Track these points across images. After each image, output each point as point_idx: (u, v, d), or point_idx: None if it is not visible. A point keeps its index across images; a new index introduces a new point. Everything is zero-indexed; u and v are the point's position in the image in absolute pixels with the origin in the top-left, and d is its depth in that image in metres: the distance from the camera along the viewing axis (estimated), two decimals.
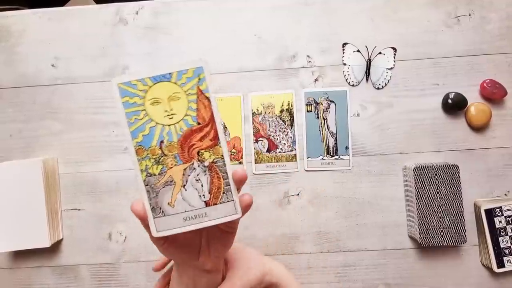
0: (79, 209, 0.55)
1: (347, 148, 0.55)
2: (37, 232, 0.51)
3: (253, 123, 0.56)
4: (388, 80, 0.55)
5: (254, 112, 0.56)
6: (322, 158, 0.55)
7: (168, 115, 0.30)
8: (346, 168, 0.55)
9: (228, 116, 0.56)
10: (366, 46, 0.56)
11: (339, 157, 0.55)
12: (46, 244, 0.51)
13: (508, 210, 0.50)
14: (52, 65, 0.57)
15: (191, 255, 0.36)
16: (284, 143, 0.55)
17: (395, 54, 0.55)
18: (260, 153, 0.55)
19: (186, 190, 0.30)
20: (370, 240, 0.54)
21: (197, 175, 0.30)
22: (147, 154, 0.30)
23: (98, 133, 0.56)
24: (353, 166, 0.55)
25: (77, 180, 0.56)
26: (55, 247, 0.55)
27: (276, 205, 0.55)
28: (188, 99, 0.30)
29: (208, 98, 0.30)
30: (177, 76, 0.30)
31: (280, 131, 0.55)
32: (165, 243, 0.34)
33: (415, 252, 0.53)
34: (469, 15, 0.55)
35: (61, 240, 0.55)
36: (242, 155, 0.55)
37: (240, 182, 0.31)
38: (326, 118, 0.55)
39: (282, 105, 0.56)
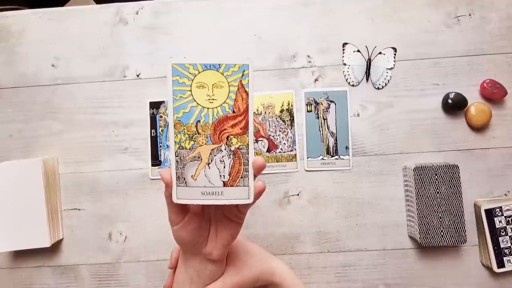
0: (79, 209, 0.55)
1: (347, 148, 0.55)
2: (37, 232, 0.51)
3: (253, 123, 0.55)
4: (388, 80, 0.55)
5: (254, 112, 0.56)
6: (322, 158, 0.55)
7: (209, 99, 0.33)
8: (346, 168, 0.55)
9: None
10: (366, 46, 0.56)
11: (339, 157, 0.55)
12: (46, 244, 0.51)
13: (508, 210, 0.50)
14: (52, 65, 0.57)
15: (200, 239, 0.38)
16: (284, 143, 0.55)
17: (395, 54, 0.55)
18: (260, 153, 0.55)
19: (209, 168, 0.34)
20: (370, 240, 0.54)
21: (222, 157, 0.34)
22: (183, 129, 0.33)
23: (98, 133, 0.56)
24: (353, 166, 0.55)
25: (77, 180, 0.56)
26: (55, 247, 0.55)
27: (276, 205, 0.55)
28: (229, 89, 0.34)
29: (247, 92, 0.34)
30: (225, 68, 0.33)
31: (280, 131, 0.55)
32: (182, 220, 0.36)
33: (415, 252, 0.53)
34: (469, 15, 0.55)
35: (61, 240, 0.55)
36: None
37: (259, 169, 0.34)
38: (326, 118, 0.55)
39: (282, 105, 0.56)
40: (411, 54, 0.55)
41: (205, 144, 0.34)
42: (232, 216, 0.38)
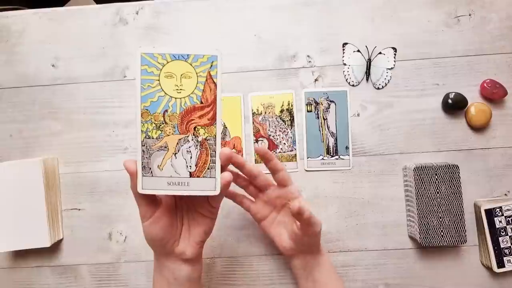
0: (79, 209, 0.55)
1: (347, 148, 0.55)
2: (37, 232, 0.51)
3: (253, 123, 0.56)
4: (388, 80, 0.55)
5: (254, 112, 0.56)
6: (322, 158, 0.55)
7: (177, 89, 0.34)
8: (346, 168, 0.55)
9: (228, 116, 0.56)
10: (366, 46, 0.56)
11: (339, 157, 0.55)
12: (46, 244, 0.51)
13: (508, 210, 0.50)
14: (52, 65, 0.57)
15: (171, 238, 0.37)
16: (284, 143, 0.55)
17: (395, 54, 0.55)
18: None
19: (176, 158, 0.34)
20: (370, 240, 0.54)
21: (189, 147, 0.34)
22: (150, 118, 0.34)
23: (98, 133, 0.56)
24: (353, 166, 0.55)
25: (77, 180, 0.56)
26: (55, 247, 0.55)
27: None
28: (197, 80, 0.34)
29: (215, 83, 0.34)
30: (193, 58, 0.34)
31: (280, 131, 0.55)
32: (152, 215, 0.36)
33: (415, 252, 0.53)
34: (469, 15, 0.55)
35: (61, 240, 0.55)
36: (242, 155, 0.55)
37: (226, 160, 0.35)
38: (326, 118, 0.55)
39: (282, 105, 0.56)
40: (411, 54, 0.55)
41: (172, 134, 0.34)
42: (204, 211, 0.38)
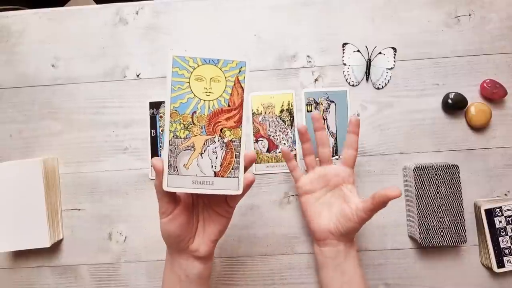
0: (79, 209, 0.55)
1: None
2: (37, 232, 0.51)
3: (253, 123, 0.56)
4: (388, 80, 0.55)
5: (254, 112, 0.56)
6: None
7: (206, 92, 0.35)
8: None
9: None
10: (366, 46, 0.56)
11: (339, 157, 0.55)
12: (46, 244, 0.51)
13: (508, 210, 0.50)
14: (52, 65, 0.57)
15: (187, 235, 0.38)
16: (284, 143, 0.55)
17: (395, 54, 0.55)
18: (260, 153, 0.55)
19: (202, 158, 0.35)
20: (370, 240, 0.54)
21: (215, 148, 0.35)
22: (179, 118, 0.35)
23: (98, 133, 0.56)
24: None
25: (77, 180, 0.56)
26: (55, 247, 0.55)
27: (276, 205, 0.55)
28: (226, 84, 0.36)
29: (242, 88, 0.36)
30: (223, 63, 0.35)
31: (280, 131, 0.55)
32: (171, 212, 0.37)
33: (415, 252, 0.53)
34: (469, 15, 0.55)
35: (61, 240, 0.55)
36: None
37: (250, 162, 0.36)
38: (326, 118, 0.55)
39: (282, 105, 0.56)
40: (411, 54, 0.55)
41: (199, 134, 0.35)
42: (221, 210, 0.39)
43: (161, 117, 0.56)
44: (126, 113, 0.56)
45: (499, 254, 0.50)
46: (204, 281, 0.41)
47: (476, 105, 0.53)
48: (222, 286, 0.54)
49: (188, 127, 0.35)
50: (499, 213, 0.50)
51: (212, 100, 0.35)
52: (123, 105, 0.56)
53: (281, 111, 0.56)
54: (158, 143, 0.55)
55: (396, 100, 0.55)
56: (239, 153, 0.36)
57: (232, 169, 0.36)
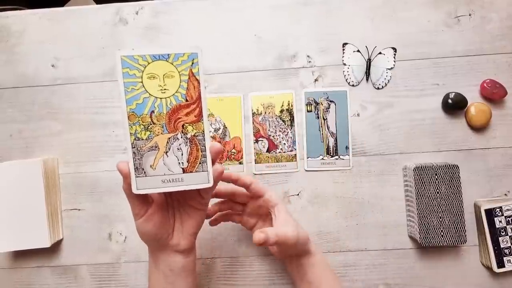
0: (79, 209, 0.55)
1: (347, 148, 0.55)
2: (37, 232, 0.51)
3: (253, 123, 0.56)
4: (388, 80, 0.55)
5: (254, 112, 0.56)
6: (322, 158, 0.55)
7: (161, 90, 0.34)
8: (346, 168, 0.55)
9: (228, 116, 0.56)
10: (366, 46, 0.56)
11: (339, 157, 0.55)
12: (46, 244, 0.51)
13: (508, 210, 0.50)
14: (52, 65, 0.57)
15: (165, 232, 0.39)
16: (284, 143, 0.55)
17: (395, 54, 0.55)
18: (260, 153, 0.55)
19: (167, 156, 0.35)
20: (370, 240, 0.54)
21: (179, 144, 0.35)
22: (138, 120, 0.34)
23: (98, 133, 0.56)
24: (353, 166, 0.55)
25: (77, 180, 0.56)
26: (55, 247, 0.55)
27: None
28: (180, 79, 0.34)
29: (198, 80, 0.35)
30: (174, 57, 0.34)
31: (280, 131, 0.55)
32: (145, 213, 0.37)
33: (415, 252, 0.53)
34: (469, 15, 0.55)
35: (61, 240, 0.55)
36: (242, 155, 0.55)
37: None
38: (326, 118, 0.55)
39: (282, 105, 0.56)
40: (411, 54, 0.55)
41: (161, 133, 0.34)
42: (196, 203, 0.39)
43: None
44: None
45: (499, 254, 0.50)
46: (189, 273, 0.41)
47: (476, 105, 0.53)
48: (221, 286, 0.54)
49: (149, 128, 0.34)
50: (499, 213, 0.50)
51: (169, 97, 0.34)
52: None
53: (281, 111, 0.56)
54: None
55: (396, 100, 0.55)
56: (205, 146, 0.35)
57: (200, 163, 0.35)
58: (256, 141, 0.55)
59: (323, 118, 0.55)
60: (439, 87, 0.55)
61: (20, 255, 0.55)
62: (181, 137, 0.35)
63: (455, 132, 0.54)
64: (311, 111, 0.56)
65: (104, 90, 0.56)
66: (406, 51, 0.55)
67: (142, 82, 0.34)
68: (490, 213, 0.50)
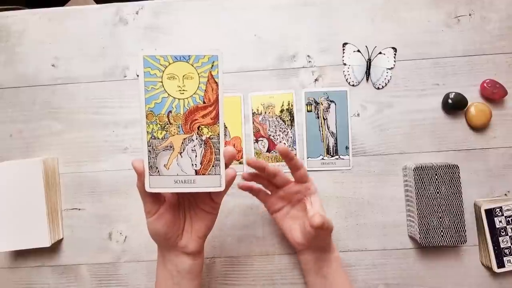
0: (79, 209, 0.55)
1: (347, 148, 0.55)
2: (37, 231, 0.51)
3: (253, 123, 0.56)
4: (388, 80, 0.55)
5: (254, 112, 0.56)
6: (322, 158, 0.55)
7: (180, 90, 0.34)
8: (346, 168, 0.55)
9: (228, 116, 0.56)
10: (366, 46, 0.56)
11: (339, 157, 0.55)
12: (46, 243, 0.51)
13: (508, 210, 0.50)
14: (52, 65, 0.57)
15: (175, 232, 0.39)
16: (284, 143, 0.55)
17: (395, 54, 0.55)
18: (260, 153, 0.55)
19: (181, 157, 0.35)
20: (370, 240, 0.54)
21: (194, 146, 0.35)
22: (155, 119, 0.34)
23: (98, 133, 0.56)
24: (353, 166, 0.55)
25: (77, 180, 0.56)
26: (55, 247, 0.55)
27: None
28: (199, 80, 0.35)
29: (216, 83, 0.35)
30: (194, 59, 0.34)
31: (280, 131, 0.55)
32: (156, 212, 0.37)
33: (415, 252, 0.53)
34: (469, 15, 0.55)
35: (61, 239, 0.55)
36: (242, 155, 0.55)
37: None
38: (326, 118, 0.55)
39: (282, 105, 0.56)
40: (411, 54, 0.55)
41: (177, 134, 0.35)
42: (207, 207, 0.39)
43: None
44: (126, 113, 0.56)
45: (499, 254, 0.50)
46: (195, 275, 0.41)
47: (476, 105, 0.53)
48: (221, 286, 0.54)
49: (165, 127, 0.35)
50: (499, 213, 0.50)
51: (187, 98, 0.35)
52: (123, 105, 0.56)
53: (281, 111, 0.56)
54: None
55: (396, 100, 0.55)
56: (219, 149, 0.35)
57: (213, 166, 0.35)
58: (256, 141, 0.55)
59: (323, 118, 0.55)
60: (439, 87, 0.55)
61: (20, 255, 0.55)
62: (196, 139, 0.35)
63: (455, 132, 0.54)
64: (311, 111, 0.56)
65: (105, 90, 0.56)
66: (406, 51, 0.55)
67: (162, 82, 0.34)
68: (490, 213, 0.50)
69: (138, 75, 0.34)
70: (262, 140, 0.55)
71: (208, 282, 0.54)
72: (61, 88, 0.57)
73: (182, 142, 0.35)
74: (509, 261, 0.50)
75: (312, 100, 0.56)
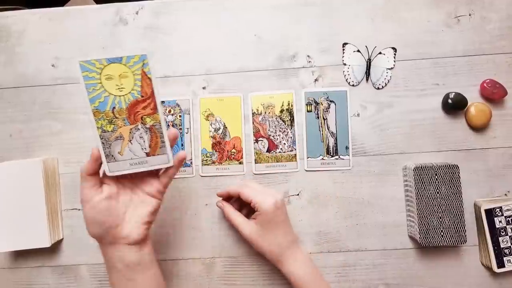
0: (79, 209, 0.55)
1: (347, 148, 0.55)
2: (37, 232, 0.51)
3: (253, 123, 0.56)
4: (388, 80, 0.55)
5: (254, 112, 0.56)
6: (322, 158, 0.55)
7: (118, 88, 0.39)
8: (346, 168, 0.55)
9: (228, 116, 0.56)
10: (366, 46, 0.56)
11: (339, 157, 0.55)
12: (46, 244, 0.51)
13: (508, 210, 0.50)
14: (52, 65, 0.57)
15: (113, 222, 0.40)
16: (284, 143, 0.55)
17: (395, 54, 0.55)
18: (260, 153, 0.55)
19: (132, 144, 0.41)
20: (370, 240, 0.54)
21: (141, 133, 0.41)
22: (102, 116, 0.40)
23: None
24: (353, 166, 0.55)
25: (77, 180, 0.55)
26: (55, 247, 0.55)
27: None
28: (134, 78, 0.40)
29: (149, 78, 0.40)
30: (126, 59, 0.39)
31: (280, 131, 0.55)
32: (91, 200, 0.39)
33: (415, 252, 0.53)
34: (469, 15, 0.55)
35: (61, 240, 0.55)
36: (242, 155, 0.55)
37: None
38: (326, 118, 0.55)
39: (282, 105, 0.56)
40: (411, 54, 0.55)
41: (124, 125, 0.40)
42: (153, 190, 0.42)
43: None
44: None
45: (499, 254, 0.50)
46: (147, 266, 0.41)
47: (476, 105, 0.53)
48: (221, 286, 0.54)
49: (112, 121, 0.40)
50: (499, 213, 0.50)
51: (126, 95, 0.40)
52: None
53: (281, 111, 0.56)
54: None
55: (396, 100, 0.55)
56: (162, 133, 0.41)
57: (160, 147, 0.41)
58: (256, 141, 0.55)
59: (323, 118, 0.55)
60: (439, 87, 0.55)
61: (20, 255, 0.55)
62: (141, 128, 0.41)
63: (455, 132, 0.54)
64: (311, 111, 0.56)
65: None
66: (406, 51, 0.55)
67: (101, 83, 0.39)
68: (490, 213, 0.50)
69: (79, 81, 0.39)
70: (262, 140, 0.55)
71: (208, 282, 0.54)
72: (61, 88, 0.57)
73: (130, 132, 0.40)
74: (509, 261, 0.50)
75: (312, 100, 0.56)
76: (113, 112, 0.40)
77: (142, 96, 0.40)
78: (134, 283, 0.40)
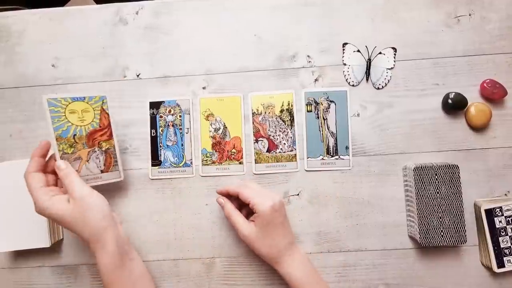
0: None
1: (347, 148, 0.55)
2: (37, 232, 0.51)
3: (253, 123, 0.56)
4: (388, 80, 0.55)
5: (254, 112, 0.56)
6: (322, 158, 0.55)
7: (80, 119, 0.47)
8: (346, 168, 0.55)
9: (228, 116, 0.56)
10: (366, 46, 0.56)
11: (339, 157, 0.55)
12: (47, 244, 0.51)
13: (508, 210, 0.50)
14: (52, 65, 0.57)
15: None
16: (284, 143, 0.55)
17: (395, 54, 0.55)
18: (260, 153, 0.55)
19: (89, 163, 0.48)
20: (370, 240, 0.54)
21: (97, 155, 0.49)
22: (64, 141, 0.46)
23: None
24: (353, 166, 0.55)
25: None
26: (55, 247, 0.55)
27: None
28: (94, 112, 0.48)
29: (107, 113, 0.50)
30: (88, 98, 0.48)
31: (280, 131, 0.55)
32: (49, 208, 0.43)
33: (415, 252, 0.53)
34: (469, 15, 0.55)
35: (61, 240, 0.55)
36: (242, 155, 0.55)
37: (44, 148, 0.46)
38: (326, 118, 0.55)
39: (282, 105, 0.56)
40: (411, 54, 0.55)
41: (83, 149, 0.47)
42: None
43: (161, 117, 0.56)
44: (126, 113, 0.56)
45: (499, 254, 0.50)
46: (115, 270, 0.44)
47: (476, 105, 0.53)
48: (221, 286, 0.54)
49: (73, 145, 0.46)
50: (499, 213, 0.50)
51: (87, 125, 0.48)
52: (123, 105, 0.56)
53: (281, 111, 0.56)
54: (158, 143, 0.56)
55: (396, 100, 0.55)
56: (116, 155, 0.51)
57: (113, 165, 0.50)
58: (256, 141, 0.55)
59: (323, 118, 0.55)
60: (439, 87, 0.55)
61: (21, 255, 0.55)
62: (98, 150, 0.49)
63: (455, 132, 0.54)
64: (311, 111, 0.56)
65: (104, 90, 0.56)
66: (406, 51, 0.55)
67: (65, 115, 0.46)
68: (490, 213, 0.50)
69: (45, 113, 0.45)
70: (262, 140, 0.55)
71: (208, 282, 0.54)
72: (61, 88, 0.57)
73: (88, 153, 0.48)
74: (509, 261, 0.50)
75: (312, 100, 0.56)
76: (74, 138, 0.46)
77: (100, 127, 0.49)
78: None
